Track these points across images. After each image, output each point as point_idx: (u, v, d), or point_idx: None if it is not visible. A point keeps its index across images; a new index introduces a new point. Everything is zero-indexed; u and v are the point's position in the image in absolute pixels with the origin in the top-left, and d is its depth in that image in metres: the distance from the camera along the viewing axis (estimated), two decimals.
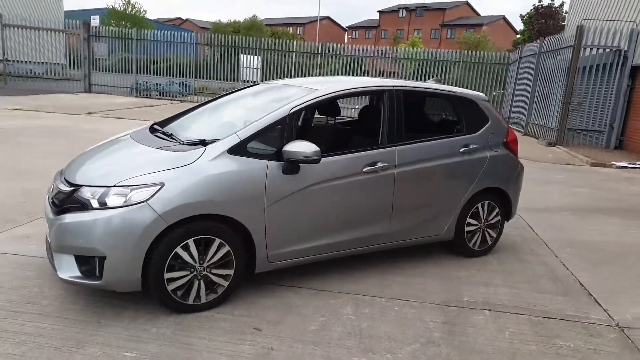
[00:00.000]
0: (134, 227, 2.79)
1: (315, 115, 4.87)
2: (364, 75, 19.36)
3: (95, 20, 29.18)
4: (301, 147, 3.14)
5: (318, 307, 3.25)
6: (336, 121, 4.94)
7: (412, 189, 3.83)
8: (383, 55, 21.61)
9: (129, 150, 3.42)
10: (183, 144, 3.23)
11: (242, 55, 22.03)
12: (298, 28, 73.34)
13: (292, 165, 3.21)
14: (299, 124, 4.43)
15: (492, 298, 3.58)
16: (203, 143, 3.14)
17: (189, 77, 21.34)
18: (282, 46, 21.16)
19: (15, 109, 12.76)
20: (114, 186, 2.87)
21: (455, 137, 4.11)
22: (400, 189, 3.74)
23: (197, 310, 3.09)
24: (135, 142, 3.48)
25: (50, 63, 21.67)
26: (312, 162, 3.19)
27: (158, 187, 2.86)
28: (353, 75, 19.88)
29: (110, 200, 2.84)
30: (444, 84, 4.73)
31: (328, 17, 76.97)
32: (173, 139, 3.41)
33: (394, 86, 3.88)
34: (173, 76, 21.37)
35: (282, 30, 57.07)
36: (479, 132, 4.23)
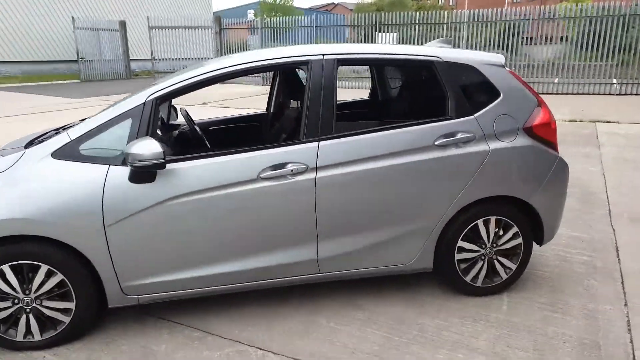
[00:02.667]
0: None
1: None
2: (523, 44, 16.60)
3: (250, 14, 30.82)
4: (139, 148, 2.33)
5: None
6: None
7: (349, 200, 2.69)
8: (549, 16, 18.08)
9: None
10: (23, 147, 2.66)
11: (378, 33, 21.01)
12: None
13: (138, 172, 2.41)
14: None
15: None
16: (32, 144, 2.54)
17: None
18: (423, 19, 19.35)
19: None
20: None
21: (429, 124, 2.81)
22: (327, 202, 2.65)
23: (33, 349, 2.52)
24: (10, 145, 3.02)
25: (199, 58, 23.45)
26: (152, 167, 2.36)
27: None
28: (507, 43, 17.06)
29: None
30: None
31: None
32: (37, 140, 2.86)
33: (323, 54, 2.77)
34: None
35: (431, 4, 53.65)
36: (478, 114, 2.85)
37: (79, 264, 2.47)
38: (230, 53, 21.67)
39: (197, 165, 2.53)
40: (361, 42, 20.14)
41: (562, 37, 18.16)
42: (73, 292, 2.49)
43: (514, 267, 3.03)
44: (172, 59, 20.40)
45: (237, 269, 2.65)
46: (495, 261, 3.00)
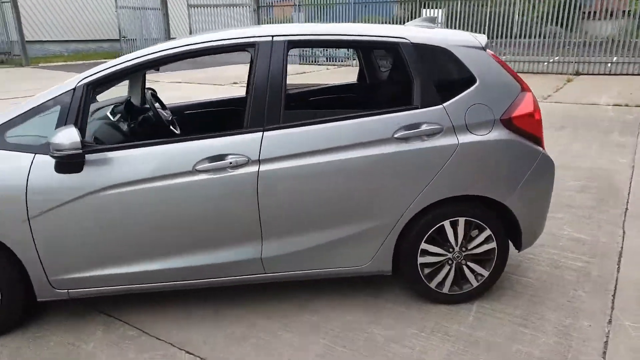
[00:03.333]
0: None
1: None
2: (583, 19, 15.37)
3: None
4: (59, 138, 2.19)
5: None
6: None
7: (297, 197, 2.47)
8: None
9: None
10: None
11: (423, 9, 20.17)
12: None
13: (63, 162, 2.29)
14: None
15: None
16: None
17: None
18: None
19: (174, 82, 13.86)
20: None
21: (389, 114, 2.53)
22: (271, 198, 2.44)
23: None
24: None
25: None
26: (69, 158, 2.22)
27: None
28: (565, 17, 15.84)
29: None
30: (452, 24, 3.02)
31: None
32: None
33: (273, 36, 2.53)
34: None
35: None
36: (447, 103, 2.54)
37: (3, 256, 2.39)
38: None
39: (130, 155, 2.38)
40: (408, 19, 19.38)
41: (624, 12, 16.84)
42: None
43: (486, 273, 2.74)
44: None
45: (174, 266, 2.50)
46: (464, 267, 2.72)
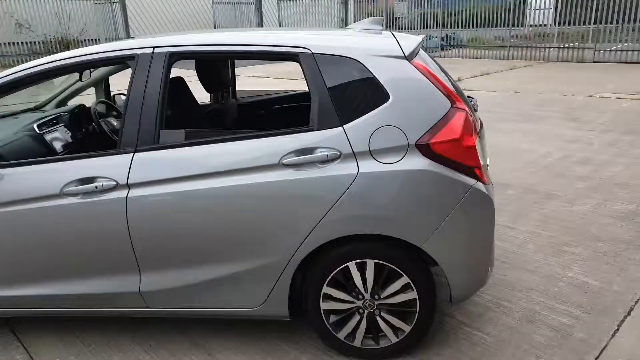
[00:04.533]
0: None
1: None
2: None
3: None
4: None
5: None
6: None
7: (171, 227, 2.17)
8: None
9: None
10: None
11: None
12: None
13: None
14: None
15: None
16: None
17: (471, 28, 18.73)
18: None
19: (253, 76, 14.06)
20: None
21: (277, 136, 2.13)
22: (142, 227, 2.18)
23: None
24: None
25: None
26: None
27: None
28: None
29: None
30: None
31: None
32: None
33: (154, 47, 2.26)
34: (457, 28, 19.19)
35: None
36: (349, 125, 2.08)
37: None
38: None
39: (14, 173, 2.26)
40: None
41: None
42: None
43: (407, 328, 2.24)
44: None
45: (52, 293, 2.34)
46: (378, 318, 2.25)
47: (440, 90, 2.10)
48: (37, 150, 2.83)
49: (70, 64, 2.30)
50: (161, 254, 2.22)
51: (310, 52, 2.15)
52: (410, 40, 2.23)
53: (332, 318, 2.28)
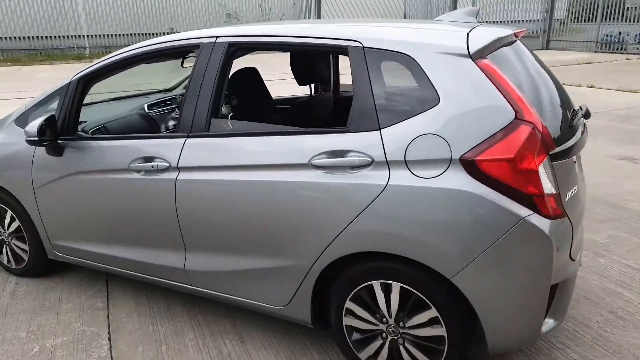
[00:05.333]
0: None
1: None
2: None
3: None
4: (30, 126, 2.54)
5: None
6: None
7: (210, 212, 2.23)
8: None
9: None
10: None
11: None
12: None
13: (45, 146, 2.63)
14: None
15: None
16: None
17: None
18: None
19: None
20: None
21: (311, 135, 2.00)
22: (187, 208, 2.29)
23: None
24: None
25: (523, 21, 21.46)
26: (35, 144, 2.54)
27: None
28: None
29: None
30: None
31: None
32: None
33: (216, 37, 2.30)
34: None
35: None
36: (386, 129, 1.87)
37: (29, 217, 2.92)
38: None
39: (94, 146, 2.56)
40: None
41: None
42: (26, 237, 2.99)
43: None
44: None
45: (137, 259, 2.59)
46: (402, 348, 2.01)
47: (506, 97, 1.75)
48: (139, 127, 3.16)
49: (146, 51, 2.49)
50: (202, 236, 2.31)
51: (361, 45, 1.98)
52: (488, 35, 1.90)
53: (355, 336, 2.11)
